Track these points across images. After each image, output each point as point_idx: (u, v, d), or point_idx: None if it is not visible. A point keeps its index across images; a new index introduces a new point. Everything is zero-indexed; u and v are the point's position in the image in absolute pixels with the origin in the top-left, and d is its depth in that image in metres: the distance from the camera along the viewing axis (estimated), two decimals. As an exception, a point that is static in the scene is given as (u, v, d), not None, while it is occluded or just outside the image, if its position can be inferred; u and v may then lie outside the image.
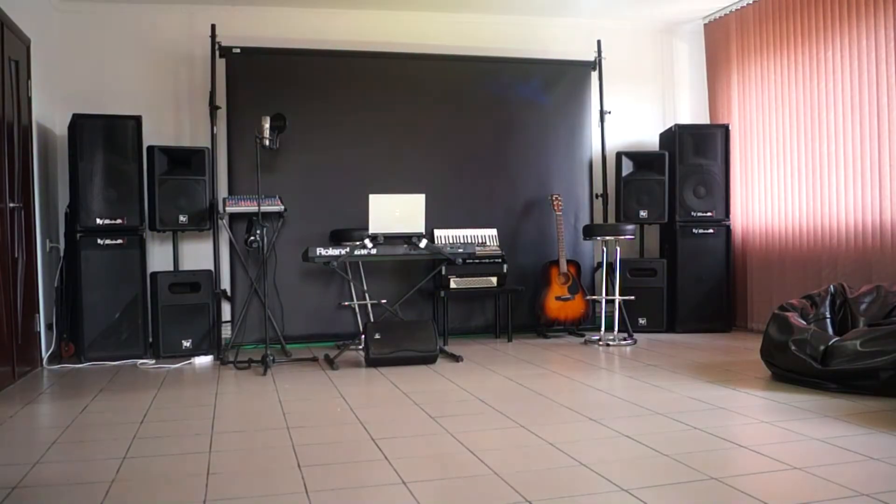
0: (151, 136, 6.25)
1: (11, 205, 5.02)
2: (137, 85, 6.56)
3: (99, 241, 5.79)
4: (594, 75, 7.23)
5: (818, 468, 2.86)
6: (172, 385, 4.87)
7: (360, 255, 5.40)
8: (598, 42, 7.24)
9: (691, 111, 7.67)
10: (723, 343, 6.18)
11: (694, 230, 6.83)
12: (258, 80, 6.48)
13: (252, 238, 5.75)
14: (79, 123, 5.77)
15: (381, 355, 5.33)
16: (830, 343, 4.27)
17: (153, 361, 5.76)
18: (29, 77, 5.50)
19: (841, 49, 5.84)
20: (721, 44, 7.24)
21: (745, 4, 6.86)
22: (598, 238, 6.35)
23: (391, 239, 5.46)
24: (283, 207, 6.19)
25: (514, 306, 6.73)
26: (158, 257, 6.45)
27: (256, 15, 6.74)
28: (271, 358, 5.34)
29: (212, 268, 6.33)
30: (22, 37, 5.38)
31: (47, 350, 5.80)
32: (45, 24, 6.05)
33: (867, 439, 3.24)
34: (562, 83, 7.09)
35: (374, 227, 5.38)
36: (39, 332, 5.60)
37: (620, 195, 6.88)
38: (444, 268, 6.28)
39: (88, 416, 4.03)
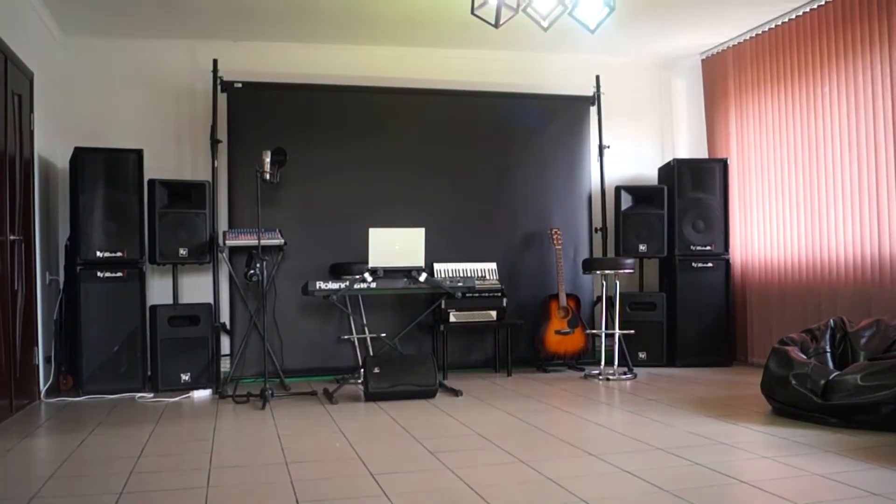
0: (152, 169, 6.27)
1: (12, 237, 5.03)
2: (139, 119, 6.60)
3: (99, 273, 5.79)
4: (593, 110, 7.28)
5: (820, 504, 2.84)
6: (171, 419, 4.85)
7: (360, 289, 5.41)
8: (597, 77, 7.31)
9: (689, 146, 7.72)
10: (723, 377, 6.16)
11: (693, 264, 6.83)
12: (259, 115, 6.53)
13: (252, 272, 5.75)
14: (80, 157, 5.80)
15: (380, 389, 5.31)
16: (831, 377, 4.26)
17: (151, 395, 5.73)
18: (31, 110, 5.54)
19: (837, 84, 5.89)
20: (718, 79, 7.30)
21: (741, 40, 6.93)
22: (598, 272, 6.36)
23: (391, 273, 5.47)
24: (283, 241, 6.20)
25: (514, 340, 6.71)
26: (158, 290, 6.45)
27: (258, 50, 6.81)
28: (270, 392, 5.31)
29: (211, 301, 6.32)
30: (25, 70, 5.43)
31: (45, 383, 5.78)
32: (48, 58, 6.11)
33: (869, 475, 3.22)
34: (561, 118, 7.14)
35: (374, 260, 5.39)
36: (38, 365, 5.58)
37: (620, 229, 6.90)
38: (443, 301, 6.27)
39: (86, 451, 4.00)
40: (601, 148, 7.26)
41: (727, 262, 6.87)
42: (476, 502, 2.96)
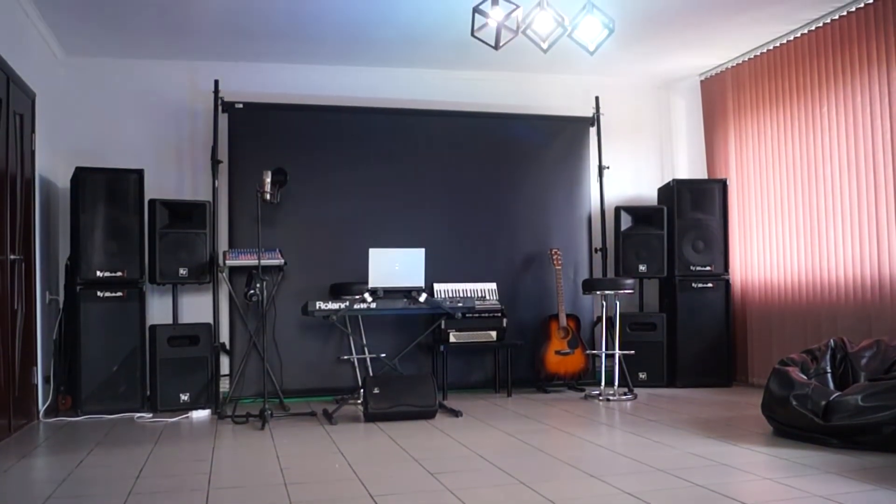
0: (153, 189, 6.27)
1: (12, 257, 5.04)
2: (140, 139, 6.62)
3: (99, 293, 5.80)
4: (592, 131, 7.31)
5: (822, 526, 2.82)
6: (169, 439, 4.83)
7: (360, 310, 5.40)
8: (597, 98, 7.34)
9: (689, 166, 7.74)
10: (723, 398, 6.14)
11: (693, 284, 6.83)
12: (260, 135, 6.55)
13: (252, 291, 5.75)
14: (81, 177, 5.82)
15: (379, 410, 5.29)
16: (832, 398, 4.25)
17: (150, 415, 5.72)
18: (33, 130, 5.56)
19: (836, 104, 5.91)
20: (717, 99, 7.33)
21: (740, 61, 6.97)
22: (598, 292, 6.35)
23: (391, 293, 5.47)
24: (283, 261, 6.21)
25: (514, 361, 6.69)
26: (158, 310, 6.44)
27: (259, 71, 6.84)
28: (269, 412, 5.30)
29: (211, 321, 6.31)
30: (27, 90, 5.45)
31: (44, 403, 5.76)
32: (50, 79, 6.14)
33: (871, 496, 3.20)
34: (560, 138, 7.17)
35: (374, 280, 5.39)
36: (37, 385, 5.57)
37: (619, 249, 6.91)
38: (443, 322, 6.26)
39: (84, 471, 3.99)
40: (601, 168, 7.28)
41: (727, 282, 6.87)
42: (476, 524, 2.95)
